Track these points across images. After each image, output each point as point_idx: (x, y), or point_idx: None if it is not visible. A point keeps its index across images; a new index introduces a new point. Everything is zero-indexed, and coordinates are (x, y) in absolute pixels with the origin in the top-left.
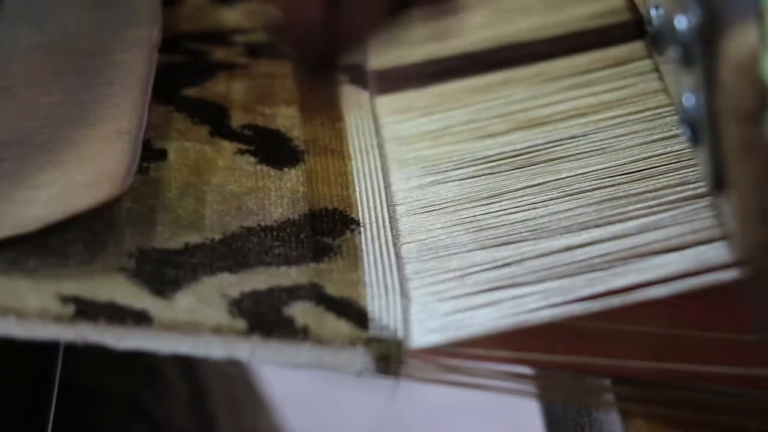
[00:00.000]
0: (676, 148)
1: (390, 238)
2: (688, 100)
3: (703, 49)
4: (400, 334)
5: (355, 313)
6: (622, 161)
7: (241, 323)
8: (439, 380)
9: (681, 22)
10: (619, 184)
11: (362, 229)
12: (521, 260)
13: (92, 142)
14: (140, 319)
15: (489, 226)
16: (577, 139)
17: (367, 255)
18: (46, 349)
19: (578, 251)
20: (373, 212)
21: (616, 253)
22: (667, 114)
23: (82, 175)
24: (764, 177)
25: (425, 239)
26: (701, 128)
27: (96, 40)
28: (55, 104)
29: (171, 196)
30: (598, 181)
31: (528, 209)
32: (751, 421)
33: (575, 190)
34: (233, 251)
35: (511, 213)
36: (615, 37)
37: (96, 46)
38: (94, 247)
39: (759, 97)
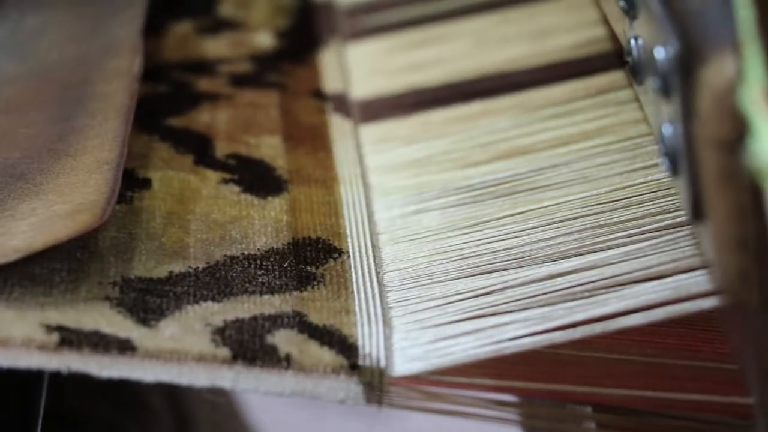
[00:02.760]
0: (656, 176)
1: (373, 266)
2: (667, 129)
3: (681, 79)
4: (382, 362)
5: (337, 342)
6: (603, 190)
7: (224, 352)
8: (422, 408)
9: (659, 53)
10: (600, 212)
11: (345, 257)
12: (503, 288)
13: (72, 173)
14: (124, 347)
15: (471, 254)
16: (559, 167)
17: (350, 283)
18: (30, 378)
19: (559, 279)
20: (356, 241)
21: (597, 282)
22: (648, 143)
23: (62, 206)
24: (742, 206)
25: (408, 267)
26: (680, 158)
27: (77, 71)
28: (36, 135)
29: (155, 225)
30: (580, 210)
31: (510, 238)
32: None
33: (557, 219)
34: (217, 280)
35: (493, 242)
36: (596, 67)
37: (77, 77)
38: (78, 275)
39: (736, 127)
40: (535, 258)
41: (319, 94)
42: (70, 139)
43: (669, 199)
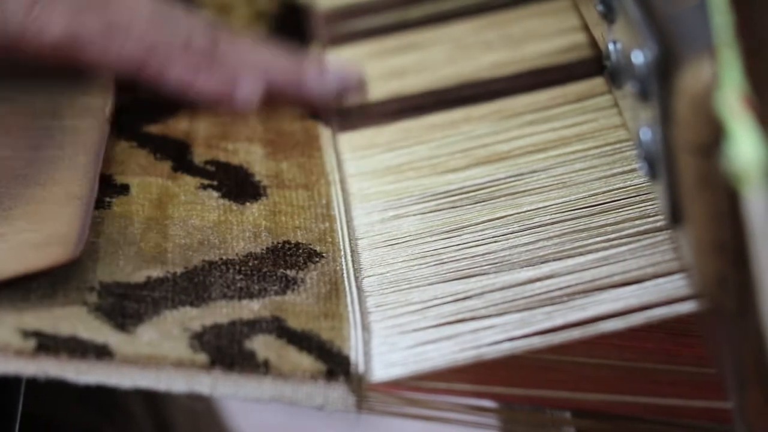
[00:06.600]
0: (635, 182)
1: (352, 271)
2: (645, 134)
3: (658, 83)
4: (361, 367)
5: (316, 347)
6: (582, 195)
7: (202, 357)
8: (401, 414)
9: (637, 57)
10: (579, 217)
11: (324, 262)
12: (482, 293)
13: (42, 202)
14: (101, 353)
15: (450, 259)
16: (538, 173)
17: (330, 288)
18: (7, 384)
19: (538, 284)
20: (335, 246)
21: (576, 286)
22: (627, 149)
23: (33, 234)
24: (720, 210)
25: (387, 273)
26: (658, 162)
27: (46, 101)
28: (4, 158)
29: (133, 231)
30: (559, 215)
31: (489, 243)
32: None
33: (536, 224)
34: (195, 285)
35: (472, 246)
36: (575, 73)
37: (46, 107)
38: (55, 280)
39: (713, 131)
40: (514, 263)
41: None
42: (39, 168)
43: (648, 203)
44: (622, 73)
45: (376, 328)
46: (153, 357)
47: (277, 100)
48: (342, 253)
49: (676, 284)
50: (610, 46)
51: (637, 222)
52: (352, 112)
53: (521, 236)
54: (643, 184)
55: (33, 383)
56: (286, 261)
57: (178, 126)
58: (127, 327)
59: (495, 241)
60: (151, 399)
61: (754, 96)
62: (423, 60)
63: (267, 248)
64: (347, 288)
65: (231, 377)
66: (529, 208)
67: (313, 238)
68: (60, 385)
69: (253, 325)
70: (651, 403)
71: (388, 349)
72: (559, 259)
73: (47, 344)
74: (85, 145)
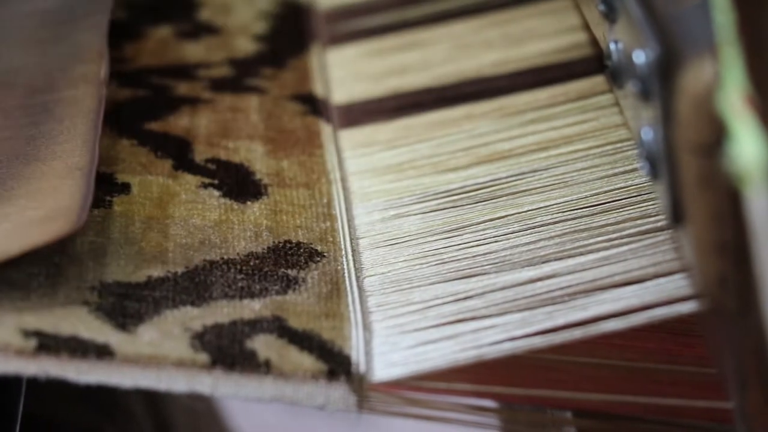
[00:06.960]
0: (636, 181)
1: (353, 270)
2: (647, 133)
3: (660, 83)
4: (362, 367)
5: (317, 346)
6: (584, 194)
7: (203, 357)
8: (402, 414)
9: (639, 57)
10: (580, 217)
11: (326, 261)
12: (483, 293)
13: (44, 178)
14: (102, 353)
15: (451, 259)
16: (539, 172)
17: (331, 288)
18: (8, 384)
19: (539, 284)
20: (336, 245)
21: (577, 286)
22: (628, 148)
23: (36, 211)
24: (721, 210)
25: (388, 272)
26: (659, 162)
27: (42, 76)
28: (4, 139)
29: (134, 230)
30: (560, 215)
31: (490, 242)
32: None
33: (537, 224)
34: (196, 285)
35: (473, 246)
36: (576, 72)
37: (43, 82)
38: (56, 280)
39: (715, 131)
40: (515, 262)
41: (299, 99)
42: (39, 144)
43: (649, 203)
44: (624, 72)
45: (377, 327)
46: (154, 357)
47: None
48: (343, 252)
49: (677, 284)
50: (612, 46)
51: (638, 222)
52: (353, 109)
53: (522, 236)
54: (645, 184)
55: (34, 383)
56: (287, 260)
57: (179, 123)
58: (127, 327)
59: (496, 241)
60: (151, 399)
61: (755, 95)
62: (423, 58)
63: (268, 248)
64: (348, 287)
65: (232, 377)
66: (530, 208)
67: (314, 237)
68: (61, 384)
69: (254, 325)
70: (652, 403)
71: (389, 348)
72: (560, 258)
73: (48, 344)
74: (82, 114)
